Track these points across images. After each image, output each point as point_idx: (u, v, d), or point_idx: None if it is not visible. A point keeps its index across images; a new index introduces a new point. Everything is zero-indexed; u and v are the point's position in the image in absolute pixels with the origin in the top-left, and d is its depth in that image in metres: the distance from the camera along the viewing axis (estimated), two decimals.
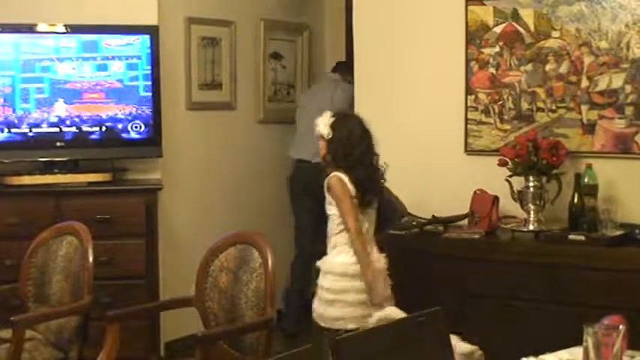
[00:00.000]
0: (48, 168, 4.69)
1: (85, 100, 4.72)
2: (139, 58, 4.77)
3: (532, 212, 3.92)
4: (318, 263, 3.85)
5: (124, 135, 4.77)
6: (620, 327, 1.98)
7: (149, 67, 4.78)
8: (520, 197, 3.95)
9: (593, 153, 4.00)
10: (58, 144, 4.70)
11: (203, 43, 5.36)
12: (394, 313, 2.95)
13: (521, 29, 4.15)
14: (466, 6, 4.28)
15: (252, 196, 5.71)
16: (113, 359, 3.30)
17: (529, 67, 4.15)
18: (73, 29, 4.70)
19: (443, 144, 4.39)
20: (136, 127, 4.78)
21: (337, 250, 3.80)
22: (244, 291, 3.31)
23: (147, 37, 4.76)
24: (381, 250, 3.89)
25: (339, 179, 3.76)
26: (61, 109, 4.69)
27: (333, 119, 3.85)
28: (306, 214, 5.39)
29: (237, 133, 5.63)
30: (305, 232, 5.44)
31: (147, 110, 4.79)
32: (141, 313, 3.81)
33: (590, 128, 4.01)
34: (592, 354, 1.95)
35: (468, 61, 4.30)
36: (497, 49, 4.22)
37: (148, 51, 4.77)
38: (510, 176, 3.98)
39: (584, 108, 4.02)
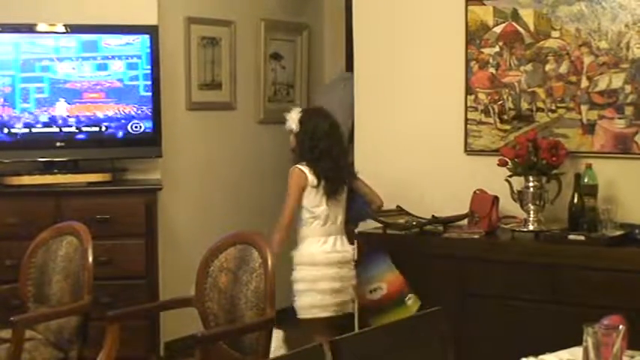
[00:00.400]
0: (48, 168, 4.69)
1: (85, 99, 4.72)
2: (139, 57, 4.77)
3: (532, 212, 3.93)
4: (292, 253, 4.03)
5: (123, 135, 4.77)
6: (620, 327, 1.98)
7: (149, 67, 4.77)
8: (520, 197, 3.95)
9: (592, 153, 4.00)
10: (58, 144, 4.70)
11: (203, 43, 5.36)
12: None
13: (521, 29, 4.15)
14: (466, 6, 4.28)
15: (252, 196, 5.71)
16: (113, 359, 3.30)
17: (529, 67, 4.15)
18: (73, 29, 4.70)
19: (443, 144, 4.39)
20: (135, 127, 4.78)
21: (308, 241, 4.02)
22: (244, 291, 3.31)
23: (147, 36, 4.76)
24: (351, 241, 4.12)
25: (298, 172, 4.01)
26: (60, 109, 4.69)
27: (300, 114, 4.09)
28: None
29: (237, 133, 5.64)
30: None
31: (147, 110, 4.79)
32: (141, 313, 3.82)
33: (589, 128, 4.01)
34: (592, 354, 1.95)
35: (467, 61, 4.30)
36: (497, 49, 4.22)
37: (148, 50, 4.77)
38: (510, 176, 3.98)
39: (583, 108, 4.02)
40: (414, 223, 4.15)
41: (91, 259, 3.54)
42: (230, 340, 3.31)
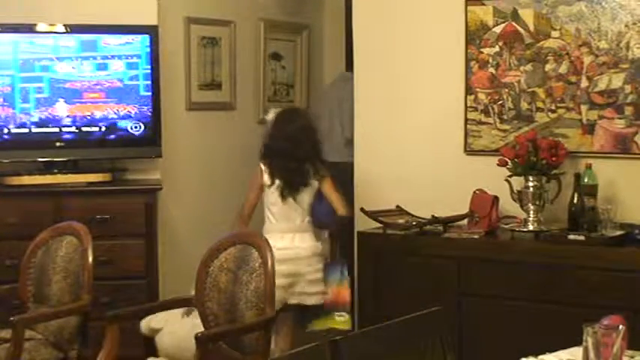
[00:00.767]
0: (48, 168, 4.69)
1: (85, 99, 4.72)
2: (138, 57, 4.77)
3: (532, 212, 3.93)
4: None
5: (123, 135, 4.77)
6: (620, 327, 1.98)
7: (149, 67, 4.77)
8: (520, 197, 3.95)
9: (592, 153, 4.00)
10: (58, 144, 4.69)
11: (203, 43, 5.36)
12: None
13: (520, 29, 4.15)
14: (466, 6, 4.28)
15: None
16: (113, 359, 3.30)
17: (529, 67, 4.15)
18: (73, 29, 4.69)
19: (443, 144, 4.39)
20: (135, 127, 4.78)
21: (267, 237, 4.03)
22: (244, 291, 3.31)
23: (146, 36, 4.76)
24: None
25: (257, 170, 4.27)
26: (60, 108, 4.69)
27: (274, 115, 4.35)
28: None
29: (237, 133, 5.63)
30: None
31: (147, 110, 4.78)
32: (141, 313, 3.81)
33: (589, 128, 4.02)
34: (592, 354, 1.95)
35: (467, 61, 4.30)
36: (496, 49, 4.22)
37: (148, 50, 4.77)
38: (510, 176, 3.98)
39: (583, 108, 4.02)
40: (414, 223, 4.15)
41: (90, 259, 3.55)
42: (230, 340, 3.31)
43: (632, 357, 2.21)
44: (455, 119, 4.34)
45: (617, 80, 3.94)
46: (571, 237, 3.73)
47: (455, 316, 3.82)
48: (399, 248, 4.11)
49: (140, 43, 4.76)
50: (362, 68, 4.66)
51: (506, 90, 4.21)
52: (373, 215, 4.25)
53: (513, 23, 4.17)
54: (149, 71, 4.77)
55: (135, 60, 4.76)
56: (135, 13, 4.81)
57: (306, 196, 4.24)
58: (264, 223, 4.32)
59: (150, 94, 4.78)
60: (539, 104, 4.14)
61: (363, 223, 4.35)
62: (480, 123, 4.29)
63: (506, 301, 3.79)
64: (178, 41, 5.20)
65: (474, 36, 4.27)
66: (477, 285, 3.87)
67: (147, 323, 3.96)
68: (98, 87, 4.73)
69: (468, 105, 4.31)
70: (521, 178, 3.96)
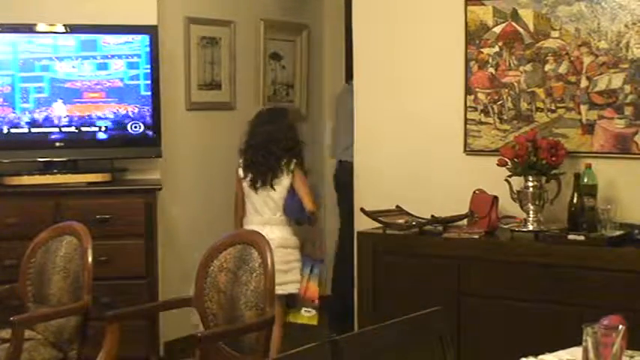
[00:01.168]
0: (47, 168, 4.69)
1: (85, 99, 4.72)
2: (139, 56, 4.77)
3: (531, 212, 3.93)
4: None
5: (123, 135, 4.77)
6: (620, 327, 1.98)
7: (149, 67, 4.77)
8: (519, 197, 3.95)
9: (592, 153, 4.00)
10: (58, 144, 4.70)
11: (202, 43, 5.36)
12: None
13: (520, 29, 4.15)
14: (465, 6, 4.28)
15: None
16: (113, 359, 3.30)
17: (528, 67, 4.15)
18: (72, 29, 4.70)
19: (442, 144, 4.39)
20: (135, 127, 4.78)
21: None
22: (244, 291, 3.31)
23: (146, 36, 4.76)
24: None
25: (237, 164, 4.60)
26: (60, 108, 4.69)
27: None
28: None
29: (236, 133, 5.62)
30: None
31: (147, 110, 4.78)
32: (140, 313, 3.81)
33: (589, 128, 4.02)
34: (591, 354, 1.95)
35: (467, 61, 4.30)
36: (496, 49, 4.22)
37: (148, 49, 4.77)
38: (510, 176, 3.98)
39: (583, 108, 4.03)
40: (414, 223, 4.15)
41: (90, 259, 3.54)
42: (230, 340, 3.31)
43: (631, 357, 2.21)
44: (455, 119, 4.34)
45: (616, 80, 3.94)
46: (571, 237, 3.73)
47: (455, 316, 3.82)
48: (399, 248, 4.11)
49: (140, 42, 4.76)
50: (362, 68, 4.66)
51: (506, 90, 4.21)
52: (373, 215, 4.25)
53: (513, 23, 4.17)
54: (149, 71, 4.77)
55: (135, 59, 4.76)
56: (135, 13, 4.81)
57: (277, 191, 4.47)
58: None
59: (150, 94, 4.78)
60: (539, 104, 4.14)
61: (363, 223, 4.35)
62: (480, 123, 4.29)
63: (505, 301, 3.79)
64: (178, 41, 5.20)
65: (474, 36, 4.27)
66: (476, 285, 3.87)
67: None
68: (99, 87, 4.73)
69: (468, 105, 4.31)
70: (521, 178, 3.96)
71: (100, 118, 4.74)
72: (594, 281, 3.58)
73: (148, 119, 4.79)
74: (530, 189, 3.92)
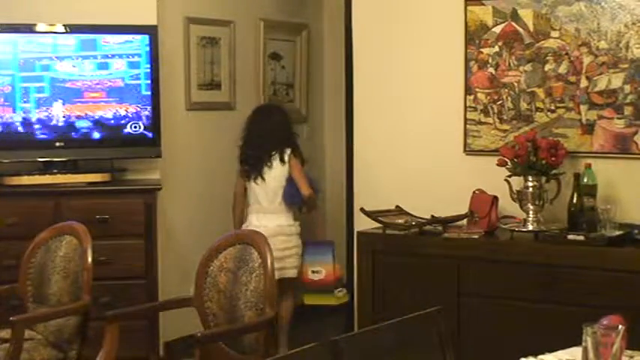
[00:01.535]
0: (47, 168, 4.69)
1: (85, 99, 4.72)
2: (139, 56, 4.77)
3: (531, 212, 3.93)
4: None
5: (123, 135, 4.77)
6: (620, 327, 1.98)
7: (148, 67, 4.77)
8: (519, 197, 3.95)
9: (592, 153, 4.00)
10: (58, 144, 4.70)
11: (202, 43, 5.36)
12: None
13: (520, 29, 4.15)
14: (465, 6, 4.28)
15: None
16: (112, 359, 3.30)
17: (528, 67, 4.15)
18: (72, 29, 4.70)
19: (442, 144, 4.39)
20: (135, 127, 4.78)
21: (248, 218, 4.85)
22: (243, 291, 3.31)
23: (146, 36, 4.76)
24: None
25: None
26: (60, 108, 4.69)
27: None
28: None
29: (236, 133, 5.63)
30: None
31: (146, 110, 4.78)
32: (140, 313, 3.81)
33: (589, 128, 4.02)
34: (591, 354, 1.95)
35: (467, 61, 4.30)
36: (496, 49, 4.22)
37: (147, 49, 4.77)
38: (509, 176, 3.98)
39: (583, 108, 4.03)
40: (414, 223, 4.15)
41: (90, 259, 3.54)
42: (229, 340, 3.31)
43: (631, 357, 2.21)
44: (454, 119, 4.34)
45: (616, 80, 3.94)
46: (570, 237, 3.73)
47: (454, 316, 3.82)
48: (399, 248, 4.11)
49: (140, 42, 4.76)
50: (361, 68, 4.66)
51: (506, 90, 4.21)
52: (373, 215, 4.25)
53: (513, 23, 4.17)
54: (149, 71, 4.77)
55: (136, 59, 4.76)
56: (134, 13, 4.81)
57: (272, 180, 4.78)
58: None
59: (150, 93, 4.78)
60: (539, 104, 4.14)
61: (363, 223, 4.35)
62: (480, 123, 4.29)
63: (505, 301, 3.79)
64: (178, 41, 5.20)
65: (474, 36, 4.27)
66: (476, 285, 3.87)
67: None
68: (99, 86, 4.73)
69: (468, 105, 4.31)
70: (521, 178, 3.96)
71: (99, 117, 4.74)
72: (594, 281, 3.58)
73: (148, 119, 4.79)
74: (530, 189, 3.92)
